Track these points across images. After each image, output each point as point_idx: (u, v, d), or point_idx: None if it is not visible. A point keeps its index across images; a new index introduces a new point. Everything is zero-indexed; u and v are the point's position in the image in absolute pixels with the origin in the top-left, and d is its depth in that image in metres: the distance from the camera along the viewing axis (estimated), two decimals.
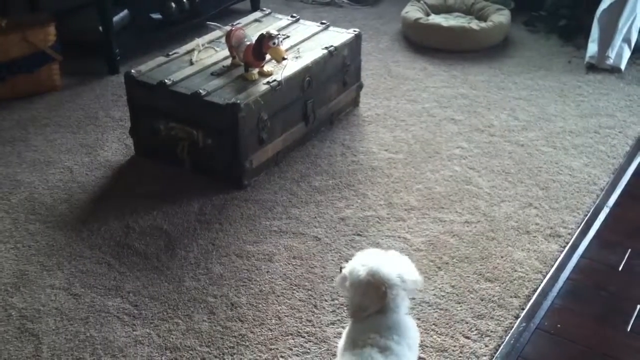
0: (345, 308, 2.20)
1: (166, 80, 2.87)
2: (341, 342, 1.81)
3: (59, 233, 2.61)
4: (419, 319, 2.20)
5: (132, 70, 2.98)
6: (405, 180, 2.93)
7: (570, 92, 3.66)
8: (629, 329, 2.21)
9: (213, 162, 2.88)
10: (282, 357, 2.07)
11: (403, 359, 1.70)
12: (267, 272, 2.41)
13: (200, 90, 2.80)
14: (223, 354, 2.07)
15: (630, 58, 3.90)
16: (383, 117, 3.43)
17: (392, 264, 1.75)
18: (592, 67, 3.89)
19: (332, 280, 2.31)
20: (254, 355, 2.07)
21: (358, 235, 2.60)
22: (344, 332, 1.82)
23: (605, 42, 3.84)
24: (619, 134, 3.27)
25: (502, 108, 3.51)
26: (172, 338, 2.13)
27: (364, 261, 1.75)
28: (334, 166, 3.03)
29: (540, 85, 3.74)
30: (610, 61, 3.84)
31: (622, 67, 3.85)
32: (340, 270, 1.81)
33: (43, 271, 2.42)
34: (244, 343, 2.11)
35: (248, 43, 2.94)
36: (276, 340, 2.13)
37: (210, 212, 2.72)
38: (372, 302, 1.72)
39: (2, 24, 3.54)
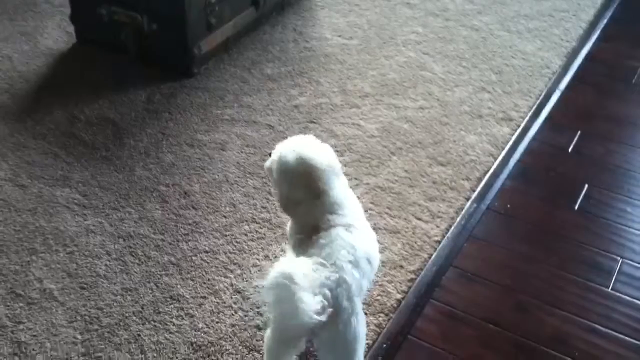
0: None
1: None
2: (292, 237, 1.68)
3: (1, 123, 2.51)
4: (372, 203, 2.22)
5: None
6: (359, 67, 2.88)
7: None
8: (576, 208, 2.27)
9: (160, 49, 2.77)
10: (237, 242, 2.07)
11: (365, 228, 1.62)
12: (220, 160, 2.38)
13: None
14: (177, 240, 2.07)
15: None
16: (336, 1, 3.33)
17: (319, 149, 1.61)
18: None
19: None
20: (209, 241, 2.07)
21: (312, 122, 2.57)
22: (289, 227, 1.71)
23: None
24: (573, 17, 3.24)
25: None
26: (125, 226, 2.11)
27: (292, 147, 1.60)
28: (286, 53, 2.95)
29: None
30: None
31: None
32: (270, 156, 1.66)
33: None
34: (198, 230, 2.10)
35: None
36: (231, 226, 2.12)
37: (159, 101, 2.65)
38: (303, 193, 1.58)
39: None
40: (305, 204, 1.59)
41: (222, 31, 2.86)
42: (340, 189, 1.63)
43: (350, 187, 2.20)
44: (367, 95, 2.72)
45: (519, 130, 2.56)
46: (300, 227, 1.63)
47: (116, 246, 2.04)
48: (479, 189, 2.30)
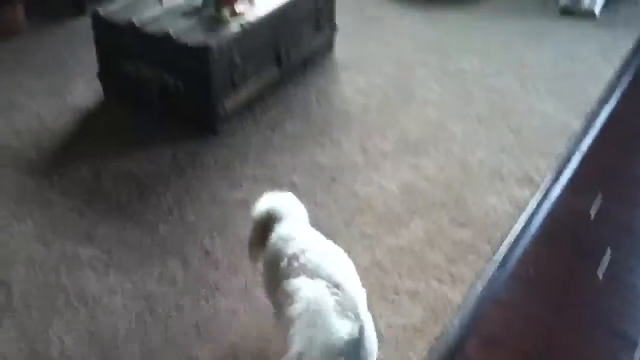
0: None
1: (135, 20, 2.79)
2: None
3: (29, 179, 2.56)
4: (392, 263, 2.22)
5: (100, 9, 2.88)
6: (380, 126, 2.91)
7: (544, 37, 3.64)
8: (599, 273, 2.25)
9: (185, 107, 2.83)
10: (257, 303, 2.06)
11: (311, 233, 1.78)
12: (243, 219, 2.39)
13: (171, 31, 2.72)
14: (198, 300, 2.07)
15: (605, 3, 3.87)
16: (357, 61, 3.39)
17: (272, 200, 1.86)
18: (566, 12, 3.87)
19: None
20: (229, 302, 2.07)
21: (333, 181, 2.59)
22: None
23: None
24: (592, 77, 3.27)
25: (476, 52, 3.48)
26: (146, 285, 2.12)
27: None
28: (308, 112, 3.00)
29: (514, 29, 3.71)
30: (585, 5, 3.82)
31: (597, 11, 3.83)
32: None
33: (12, 219, 2.38)
34: (219, 290, 2.11)
35: None
36: (252, 287, 2.12)
37: (183, 158, 2.68)
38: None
39: None
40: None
41: (246, 90, 2.92)
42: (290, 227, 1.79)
43: (370, 247, 2.23)
44: (388, 155, 2.74)
45: (540, 192, 2.56)
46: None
47: (137, 305, 2.04)
48: (500, 251, 2.29)
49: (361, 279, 2.12)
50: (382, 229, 2.36)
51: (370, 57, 3.41)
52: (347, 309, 1.49)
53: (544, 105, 3.06)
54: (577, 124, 2.94)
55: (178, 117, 2.86)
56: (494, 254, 2.28)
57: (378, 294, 2.08)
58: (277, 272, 1.68)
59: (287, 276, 1.63)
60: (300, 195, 2.48)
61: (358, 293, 1.59)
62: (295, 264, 1.64)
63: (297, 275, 1.61)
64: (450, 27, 3.70)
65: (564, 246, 2.37)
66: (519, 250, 2.32)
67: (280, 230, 1.79)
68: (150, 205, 2.44)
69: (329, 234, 2.20)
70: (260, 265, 1.87)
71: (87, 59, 3.29)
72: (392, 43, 3.54)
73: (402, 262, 2.23)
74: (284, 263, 1.67)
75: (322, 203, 2.47)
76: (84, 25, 3.54)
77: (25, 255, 2.22)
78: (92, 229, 2.33)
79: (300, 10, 3.11)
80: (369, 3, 3.95)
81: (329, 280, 1.57)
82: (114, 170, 2.61)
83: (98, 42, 2.95)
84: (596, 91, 3.17)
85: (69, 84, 3.15)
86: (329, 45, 3.44)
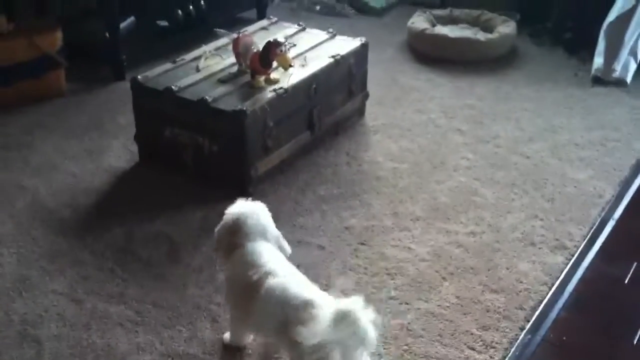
0: None
1: (173, 87, 2.87)
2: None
3: (62, 238, 2.60)
4: (424, 329, 2.19)
5: (139, 76, 2.98)
6: (411, 190, 2.92)
7: (576, 105, 3.65)
8: (635, 342, 2.19)
9: (218, 169, 2.88)
10: None
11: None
12: None
13: (207, 97, 2.80)
14: None
15: (637, 71, 3.89)
16: (388, 126, 3.43)
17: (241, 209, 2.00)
18: (598, 80, 3.89)
19: (335, 289, 2.29)
20: None
21: (363, 244, 2.59)
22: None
23: (612, 54, 3.84)
24: (625, 146, 3.26)
25: (507, 119, 3.50)
26: (175, 345, 2.11)
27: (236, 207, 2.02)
28: (339, 175, 3.02)
29: (546, 97, 3.74)
30: (617, 74, 3.84)
31: (628, 80, 3.84)
32: None
33: (45, 276, 2.41)
34: (247, 352, 2.10)
35: (255, 50, 2.94)
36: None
37: (214, 220, 2.67)
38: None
39: (9, 28, 3.55)
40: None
41: (278, 153, 2.96)
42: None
43: (401, 312, 2.21)
44: (418, 219, 2.74)
45: (573, 260, 2.53)
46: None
47: None
48: (533, 319, 2.25)
49: (391, 345, 2.11)
50: (413, 293, 2.34)
51: (401, 123, 3.45)
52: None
53: (577, 173, 3.04)
54: (609, 192, 2.92)
55: (211, 179, 2.90)
56: (526, 320, 2.24)
57: None
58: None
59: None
60: (328, 258, 2.50)
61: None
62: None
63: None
64: (483, 96, 3.74)
65: (597, 313, 2.32)
66: (551, 317, 2.28)
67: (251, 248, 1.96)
68: (180, 265, 2.46)
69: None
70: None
71: (125, 122, 3.38)
72: (424, 110, 3.58)
73: (433, 327, 2.20)
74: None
75: (351, 266, 2.47)
76: (122, 89, 3.66)
77: (56, 312, 2.24)
78: (123, 288, 2.35)
79: (333, 77, 3.18)
80: (402, 71, 4.02)
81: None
82: (145, 230, 2.64)
83: (136, 106, 3.03)
84: (629, 159, 3.15)
85: (106, 145, 3.23)
86: (360, 111, 3.49)
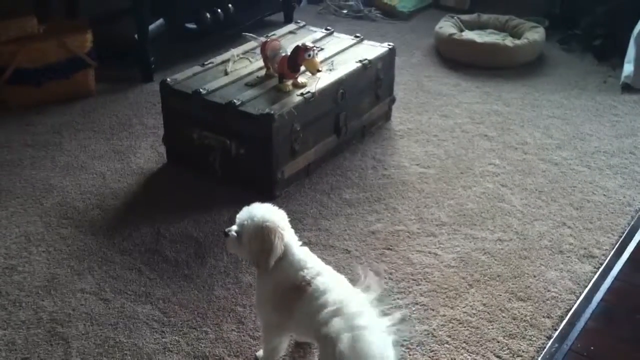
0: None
1: (201, 90, 2.89)
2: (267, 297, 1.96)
3: (91, 238, 2.63)
4: (449, 336, 2.17)
5: (168, 79, 3.00)
6: (437, 196, 2.91)
7: (606, 112, 3.61)
8: None
9: (245, 172, 2.89)
10: None
11: (331, 271, 1.95)
12: None
13: (235, 100, 2.81)
14: None
15: None
16: (415, 131, 3.42)
17: (273, 212, 1.93)
18: (627, 88, 3.84)
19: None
20: None
21: (388, 249, 2.58)
22: (261, 287, 2.00)
23: None
24: None
25: (535, 126, 3.47)
26: (201, 346, 2.13)
27: (250, 215, 1.91)
28: (364, 179, 3.02)
29: (574, 104, 3.70)
30: None
31: None
32: (226, 235, 1.97)
33: (74, 275, 2.43)
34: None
35: (283, 54, 2.95)
36: (305, 352, 2.11)
37: None
38: (274, 246, 1.87)
39: (40, 29, 3.60)
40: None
41: (305, 157, 2.97)
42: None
43: (426, 318, 2.20)
44: (444, 225, 2.73)
45: (601, 269, 2.50)
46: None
47: None
48: (560, 328, 2.23)
49: (416, 352, 2.10)
50: (438, 300, 2.33)
51: (428, 128, 3.44)
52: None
53: (605, 181, 3.01)
54: (639, 201, 2.88)
55: (238, 182, 2.91)
56: (554, 329, 2.21)
57: None
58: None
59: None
60: (353, 262, 2.50)
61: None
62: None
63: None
64: (511, 102, 3.71)
65: (625, 323, 2.29)
66: (579, 326, 2.25)
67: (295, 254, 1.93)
68: (207, 267, 2.47)
69: (383, 303, 2.19)
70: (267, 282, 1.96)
71: (153, 124, 3.41)
72: (451, 116, 3.57)
73: (459, 335, 2.19)
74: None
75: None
76: (151, 91, 3.70)
77: (84, 311, 2.27)
78: (150, 288, 2.37)
79: (360, 82, 3.18)
80: (428, 76, 4.01)
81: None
82: (173, 231, 2.66)
83: (164, 108, 3.06)
84: None
85: (134, 146, 3.26)
86: (387, 116, 3.49)
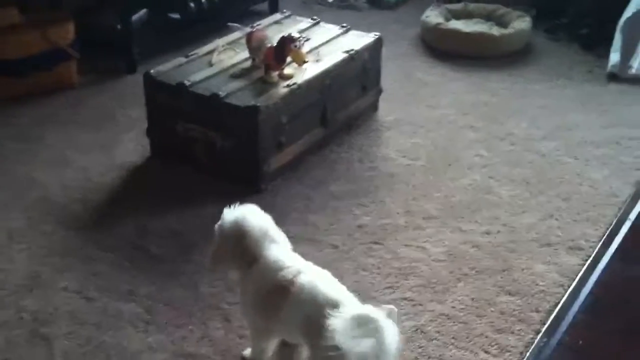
0: None
1: (185, 81, 2.85)
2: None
3: (73, 234, 2.59)
4: (438, 332, 2.16)
5: (152, 70, 2.96)
6: (424, 188, 2.89)
7: (592, 102, 3.60)
8: None
9: (230, 165, 2.85)
10: None
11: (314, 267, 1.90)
12: None
13: (220, 92, 2.77)
14: None
15: None
16: (402, 122, 3.39)
17: (254, 215, 1.92)
18: (614, 77, 3.83)
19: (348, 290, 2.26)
20: None
21: (375, 243, 2.56)
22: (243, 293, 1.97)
23: (628, 51, 3.79)
24: None
25: (522, 116, 3.45)
26: (186, 345, 2.10)
27: (233, 214, 1.93)
28: (351, 172, 2.99)
29: (561, 94, 3.69)
30: (633, 71, 3.78)
31: None
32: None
33: (56, 273, 2.39)
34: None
35: (269, 45, 2.91)
36: (290, 349, 2.09)
37: None
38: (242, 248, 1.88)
39: (22, 20, 3.53)
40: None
41: (291, 149, 2.94)
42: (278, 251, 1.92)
43: (414, 313, 2.19)
44: (432, 218, 2.71)
45: (589, 261, 2.49)
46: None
47: None
48: (549, 322, 2.22)
49: (404, 347, 2.08)
50: (427, 295, 2.32)
51: (415, 119, 3.41)
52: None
53: (592, 171, 3.00)
54: (626, 191, 2.88)
55: (223, 175, 2.88)
56: (542, 323, 2.20)
57: None
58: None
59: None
60: (340, 257, 2.48)
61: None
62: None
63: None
64: (497, 92, 3.69)
65: (614, 316, 2.29)
66: (567, 320, 2.24)
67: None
68: (192, 263, 2.44)
69: (370, 298, 2.18)
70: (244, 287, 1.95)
71: (136, 116, 3.36)
72: (438, 106, 3.54)
73: (447, 330, 2.17)
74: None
75: (363, 266, 2.44)
76: (134, 83, 3.63)
77: (67, 310, 2.23)
78: (134, 285, 2.33)
79: (347, 73, 3.14)
80: (415, 66, 3.98)
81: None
82: (157, 226, 2.62)
83: (148, 101, 3.01)
84: None
85: (118, 139, 3.21)
86: (374, 107, 3.46)
